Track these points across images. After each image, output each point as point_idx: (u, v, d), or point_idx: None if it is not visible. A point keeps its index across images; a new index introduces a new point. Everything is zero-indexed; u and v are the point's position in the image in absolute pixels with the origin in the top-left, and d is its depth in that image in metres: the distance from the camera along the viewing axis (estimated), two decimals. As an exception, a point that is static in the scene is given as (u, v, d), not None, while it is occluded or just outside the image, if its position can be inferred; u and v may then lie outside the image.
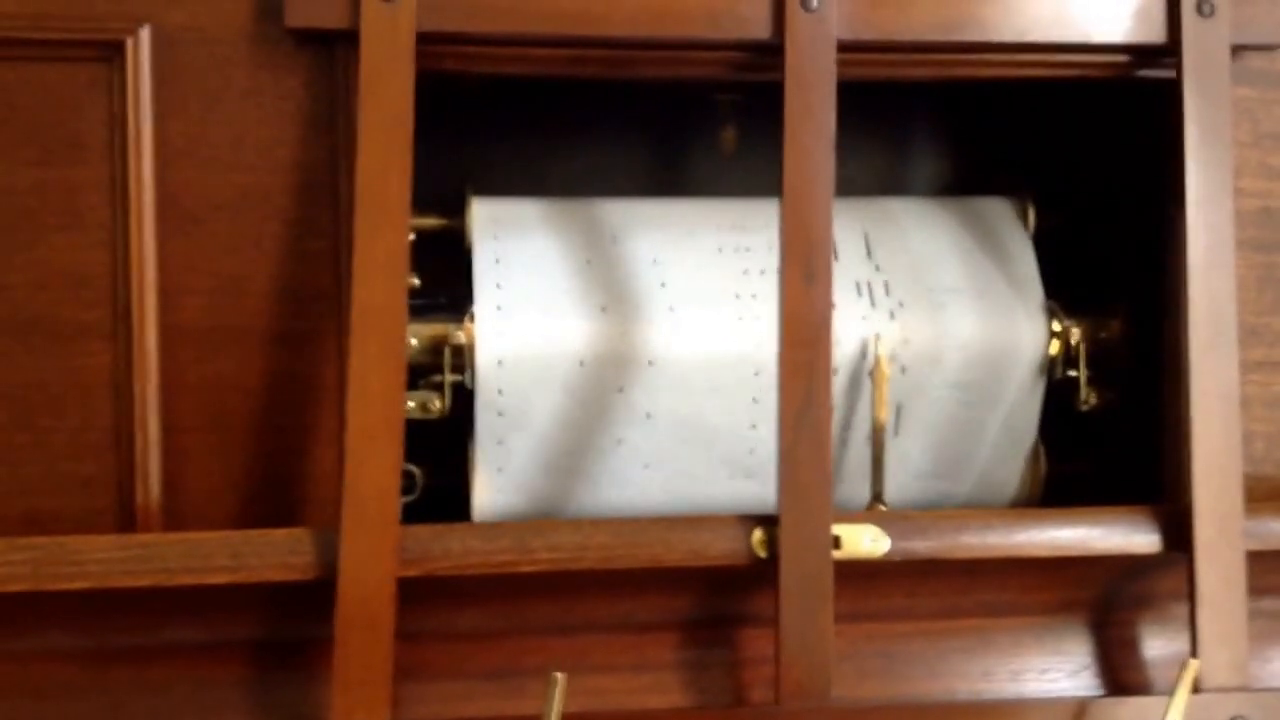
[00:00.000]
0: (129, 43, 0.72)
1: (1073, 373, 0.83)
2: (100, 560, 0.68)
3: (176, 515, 0.74)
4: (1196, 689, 0.72)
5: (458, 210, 0.82)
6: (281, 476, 0.75)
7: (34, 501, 0.74)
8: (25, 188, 0.73)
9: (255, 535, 0.70)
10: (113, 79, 0.73)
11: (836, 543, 0.72)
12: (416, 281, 0.78)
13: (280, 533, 0.70)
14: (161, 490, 0.74)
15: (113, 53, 0.73)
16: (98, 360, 0.74)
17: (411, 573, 0.69)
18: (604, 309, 0.79)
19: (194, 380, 0.74)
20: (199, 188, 0.74)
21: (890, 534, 0.73)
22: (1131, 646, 0.78)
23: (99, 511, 0.74)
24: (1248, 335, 0.78)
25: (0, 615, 0.69)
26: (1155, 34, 0.77)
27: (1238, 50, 0.77)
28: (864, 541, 0.73)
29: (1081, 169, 0.90)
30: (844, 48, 0.74)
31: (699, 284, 0.80)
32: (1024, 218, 0.86)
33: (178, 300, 0.74)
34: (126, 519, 0.74)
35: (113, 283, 0.74)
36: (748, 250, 0.81)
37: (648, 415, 0.79)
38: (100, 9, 0.72)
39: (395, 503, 0.69)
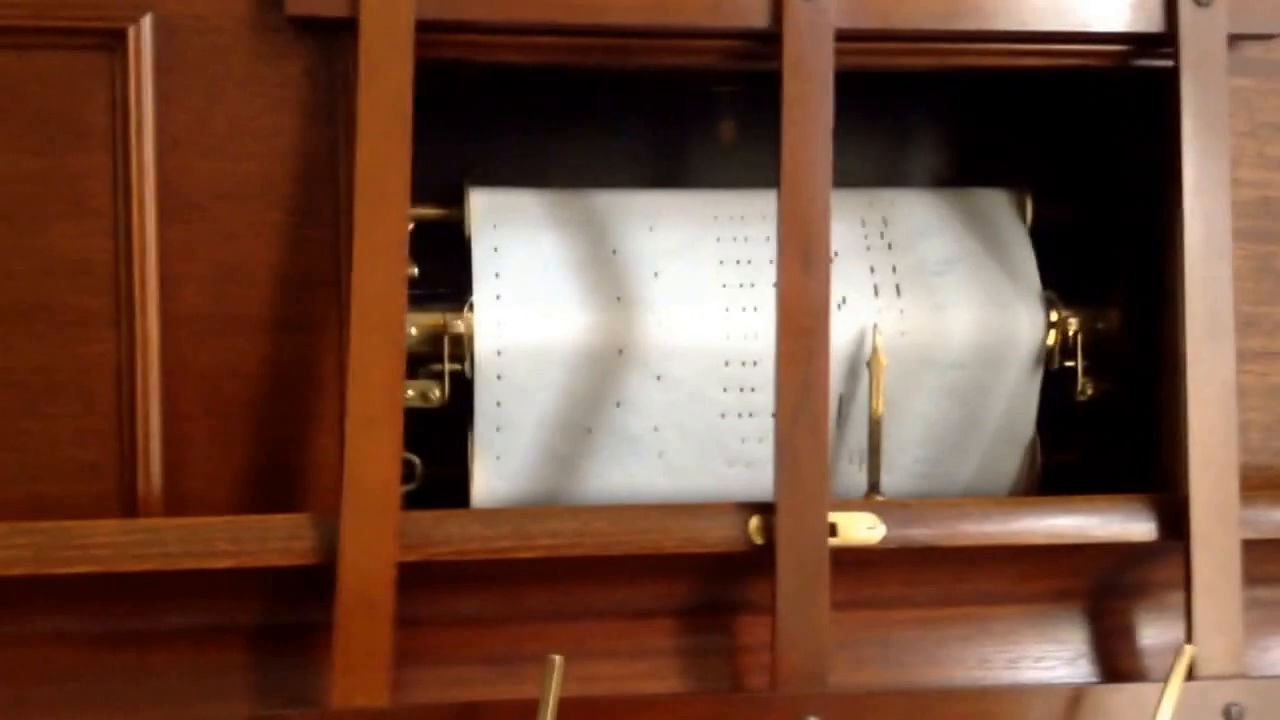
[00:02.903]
0: (130, 31, 0.73)
1: (1070, 363, 0.83)
2: (103, 545, 0.68)
3: (178, 501, 0.74)
4: (1192, 676, 0.73)
5: (456, 200, 0.82)
6: (282, 463, 0.75)
7: (37, 487, 0.74)
8: (28, 175, 0.73)
9: (256, 521, 0.70)
10: (114, 67, 0.73)
11: (833, 530, 0.72)
12: (416, 271, 0.78)
13: (281, 518, 0.70)
14: (163, 476, 0.74)
15: (114, 41, 0.73)
16: (100, 347, 0.74)
17: (411, 558, 0.70)
18: (601, 299, 0.79)
19: (195, 367, 0.74)
20: (200, 175, 0.74)
21: (887, 522, 0.73)
22: (1128, 634, 0.78)
23: (101, 497, 0.74)
24: (1245, 325, 0.78)
25: (3, 599, 0.70)
26: (1153, 23, 0.77)
27: (1235, 40, 0.77)
28: (860, 529, 0.73)
29: (1079, 159, 0.90)
30: (842, 37, 0.74)
31: (697, 275, 0.80)
32: (1022, 208, 0.86)
33: (179, 287, 0.74)
34: (128, 504, 0.74)
35: (115, 270, 0.74)
36: (746, 241, 0.82)
37: (644, 402, 0.80)
38: (103, -3, 0.73)
39: (395, 489, 0.70)
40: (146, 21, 0.73)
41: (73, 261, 0.74)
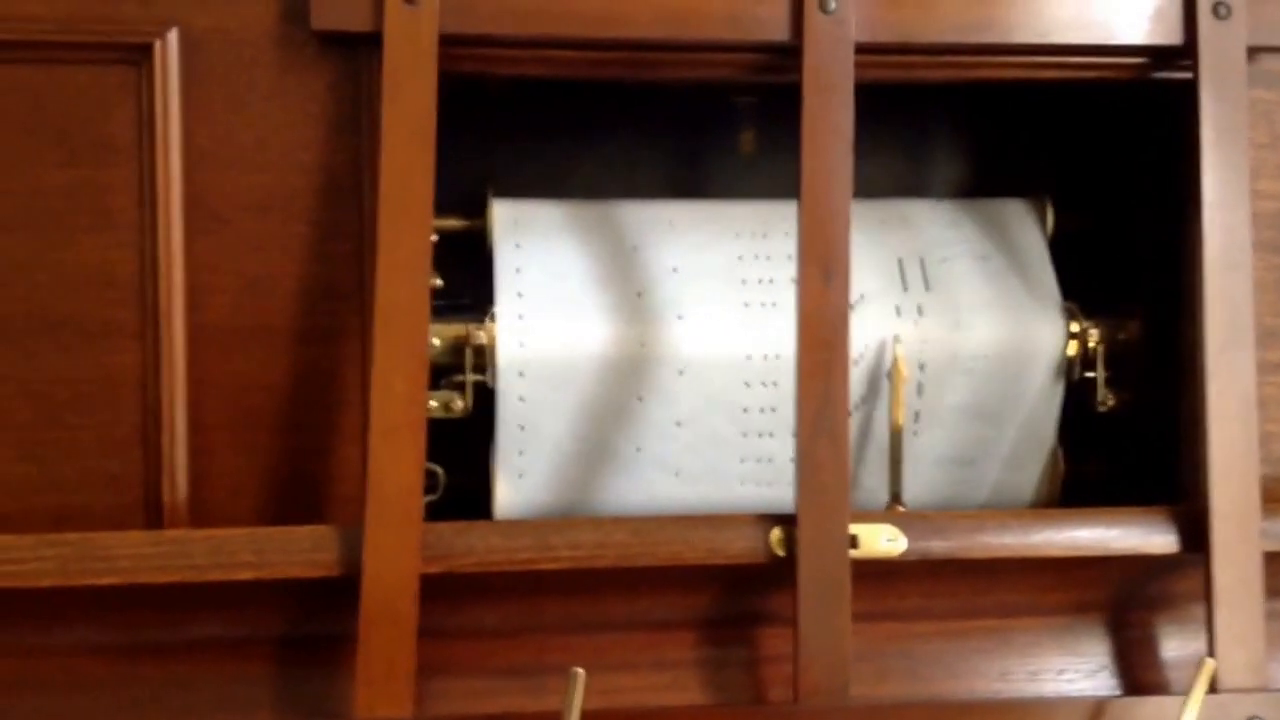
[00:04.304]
0: (157, 46, 0.73)
1: (1090, 374, 0.83)
2: (129, 556, 0.69)
3: (202, 512, 0.75)
4: (1213, 689, 0.73)
5: (479, 212, 0.82)
6: (305, 474, 0.76)
7: (62, 498, 0.75)
8: (55, 189, 0.74)
9: (280, 532, 0.70)
10: (141, 81, 0.74)
11: (854, 542, 0.72)
12: (439, 282, 0.78)
13: (305, 530, 0.71)
14: (188, 487, 0.75)
15: (141, 56, 0.74)
16: (125, 359, 0.75)
17: (434, 570, 0.70)
18: (623, 309, 0.79)
19: (220, 378, 0.75)
20: (225, 189, 0.75)
21: (908, 534, 0.73)
22: (1149, 647, 0.78)
23: (126, 508, 0.75)
24: (1265, 336, 0.78)
25: (29, 610, 0.70)
26: (1172, 36, 0.77)
27: (1254, 52, 0.78)
28: (881, 541, 0.73)
29: (1099, 171, 0.90)
30: (862, 50, 0.74)
31: (717, 284, 0.81)
32: (1042, 219, 0.86)
33: (204, 300, 0.75)
34: (153, 515, 0.74)
35: (140, 282, 0.74)
36: (766, 253, 0.82)
37: (665, 415, 0.80)
38: (128, 12, 0.73)
39: (418, 500, 0.70)
40: (172, 36, 0.73)
41: (98, 273, 0.74)
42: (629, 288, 0.80)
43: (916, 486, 0.82)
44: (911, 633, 0.76)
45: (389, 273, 0.71)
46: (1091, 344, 0.82)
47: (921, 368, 0.81)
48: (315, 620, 0.72)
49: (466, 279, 0.81)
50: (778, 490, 0.80)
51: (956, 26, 0.76)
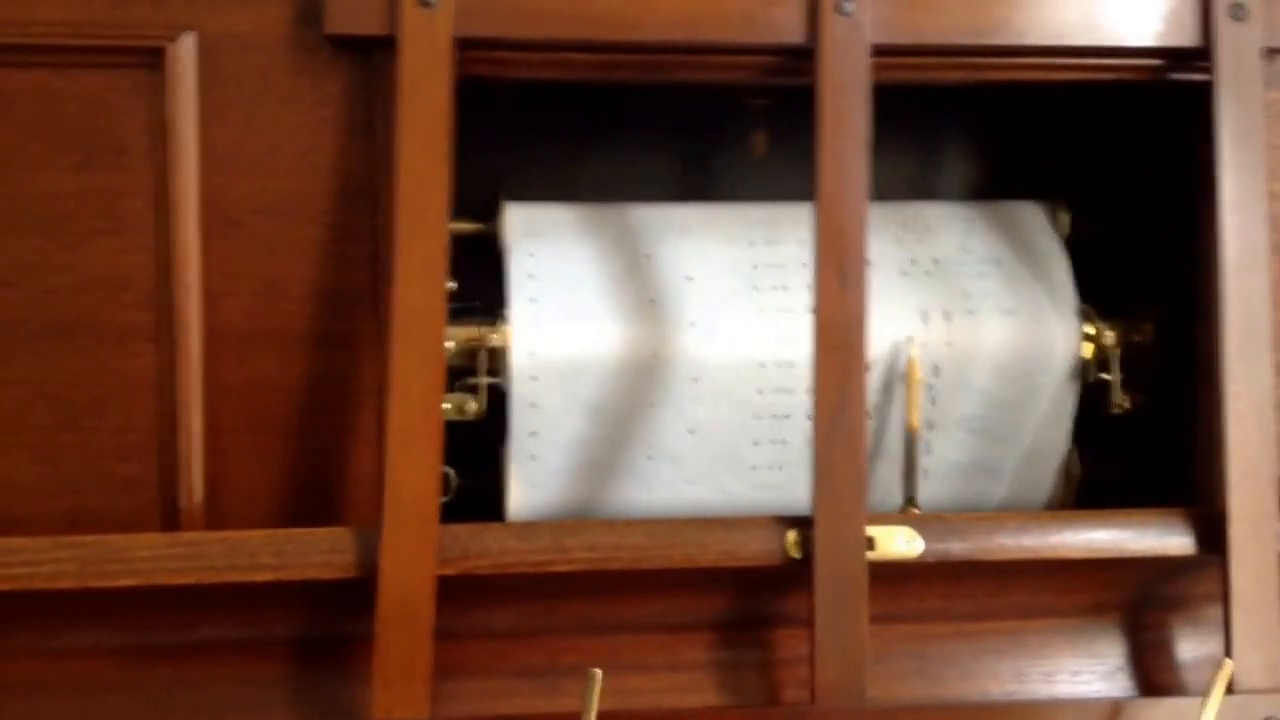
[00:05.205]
0: (170, 50, 0.73)
1: (1106, 376, 0.83)
2: (147, 558, 0.69)
3: (218, 515, 0.75)
4: (1230, 690, 0.72)
5: (491, 215, 0.82)
6: (321, 476, 0.76)
7: (78, 501, 0.75)
8: (69, 192, 0.74)
9: (298, 534, 0.71)
10: (155, 85, 0.74)
11: (870, 544, 0.72)
12: (453, 285, 0.78)
13: (322, 532, 0.71)
14: (204, 490, 0.75)
15: (155, 59, 0.74)
16: (141, 362, 0.75)
17: (450, 571, 0.70)
18: (635, 312, 0.79)
19: (235, 381, 0.75)
20: (240, 192, 0.75)
21: (924, 535, 0.73)
22: (1165, 648, 0.78)
23: (142, 511, 0.75)
24: (1282, 338, 0.78)
25: (46, 612, 0.70)
26: (1188, 37, 0.77)
27: (1270, 53, 0.77)
28: (898, 543, 0.73)
29: (1114, 172, 0.90)
30: (877, 51, 0.74)
31: (730, 287, 0.81)
32: (1057, 221, 0.86)
33: (219, 303, 0.75)
34: (169, 518, 0.75)
35: (155, 286, 0.74)
36: (779, 254, 0.82)
37: (678, 417, 0.80)
38: (142, 16, 0.73)
39: (435, 502, 0.70)
40: (187, 40, 0.73)
41: (113, 277, 0.75)
42: (640, 289, 0.80)
43: (931, 488, 0.82)
44: (928, 634, 0.76)
45: (406, 276, 0.71)
46: (1107, 346, 0.82)
47: (936, 371, 0.80)
48: (331, 622, 0.72)
49: (479, 282, 0.81)
50: (791, 484, 0.80)
51: (971, 28, 0.76)
